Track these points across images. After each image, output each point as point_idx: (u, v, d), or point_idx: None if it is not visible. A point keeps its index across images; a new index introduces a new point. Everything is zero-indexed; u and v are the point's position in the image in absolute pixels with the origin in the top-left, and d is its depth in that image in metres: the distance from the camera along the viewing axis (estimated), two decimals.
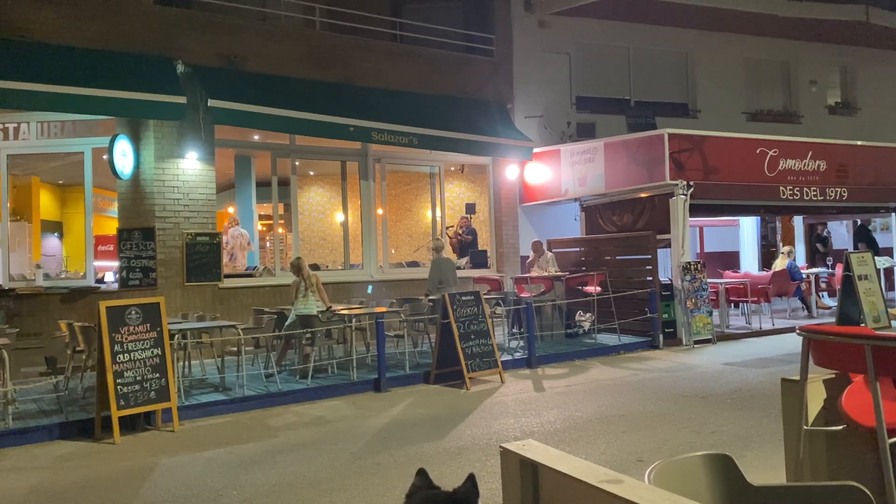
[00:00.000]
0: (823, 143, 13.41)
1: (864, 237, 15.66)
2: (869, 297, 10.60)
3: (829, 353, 3.20)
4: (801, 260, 16.27)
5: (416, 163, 13.86)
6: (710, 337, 11.51)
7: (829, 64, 18.56)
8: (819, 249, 16.91)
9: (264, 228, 17.24)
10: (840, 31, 17.17)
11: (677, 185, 11.35)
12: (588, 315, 11.78)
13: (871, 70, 18.84)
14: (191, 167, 10.79)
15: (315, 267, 13.19)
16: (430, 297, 10.24)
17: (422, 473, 1.79)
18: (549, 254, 12.74)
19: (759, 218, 16.55)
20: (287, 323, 9.13)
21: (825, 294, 15.55)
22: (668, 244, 11.77)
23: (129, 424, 7.06)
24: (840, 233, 18.42)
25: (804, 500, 2.32)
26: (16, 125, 10.63)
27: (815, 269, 15.28)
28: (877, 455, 2.94)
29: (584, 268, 12.79)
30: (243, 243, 12.70)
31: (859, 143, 14.14)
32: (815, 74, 18.18)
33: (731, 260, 16.69)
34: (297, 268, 9.27)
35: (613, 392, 8.26)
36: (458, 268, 13.53)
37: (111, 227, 11.97)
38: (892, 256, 14.86)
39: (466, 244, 14.11)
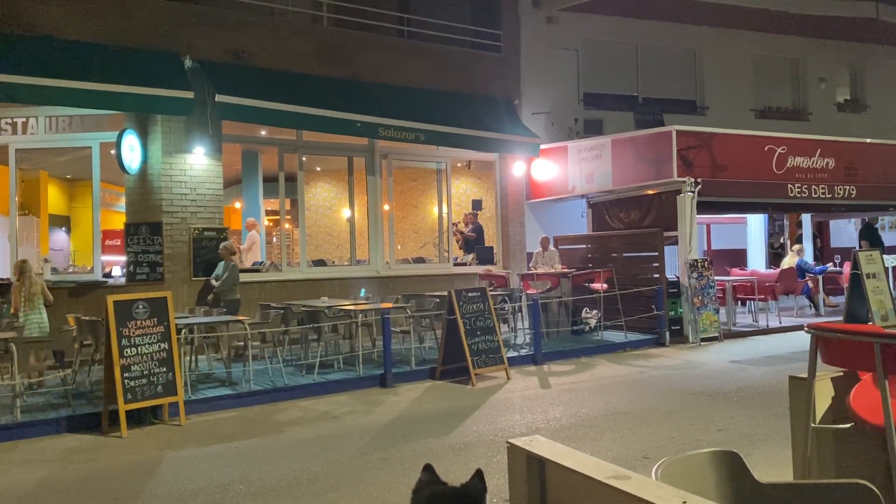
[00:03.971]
0: (832, 140, 13.33)
1: (868, 235, 15.57)
2: (877, 295, 10.58)
3: (838, 351, 3.19)
4: (808, 259, 16.19)
5: (423, 159, 13.85)
6: (716, 335, 11.48)
7: (839, 61, 18.43)
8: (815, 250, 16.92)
9: (271, 224, 17.26)
10: (850, 29, 17.05)
11: (685, 182, 11.32)
12: (594, 312, 11.77)
13: (881, 67, 18.71)
14: (198, 162, 10.81)
15: (321, 262, 13.17)
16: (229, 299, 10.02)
17: (428, 469, 1.79)
18: (553, 249, 12.74)
19: (766, 215, 16.48)
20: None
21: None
22: (675, 241, 11.74)
23: (137, 418, 7.11)
24: (848, 231, 18.34)
25: (812, 497, 2.31)
26: (24, 120, 10.66)
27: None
28: (885, 453, 2.93)
29: (590, 265, 12.76)
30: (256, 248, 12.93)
31: (868, 140, 14.05)
32: (824, 72, 18.05)
33: (738, 257, 16.63)
34: (20, 271, 8.28)
35: (619, 389, 8.25)
36: (464, 264, 13.56)
37: (119, 221, 11.98)
38: None
39: (472, 241, 14.09)
